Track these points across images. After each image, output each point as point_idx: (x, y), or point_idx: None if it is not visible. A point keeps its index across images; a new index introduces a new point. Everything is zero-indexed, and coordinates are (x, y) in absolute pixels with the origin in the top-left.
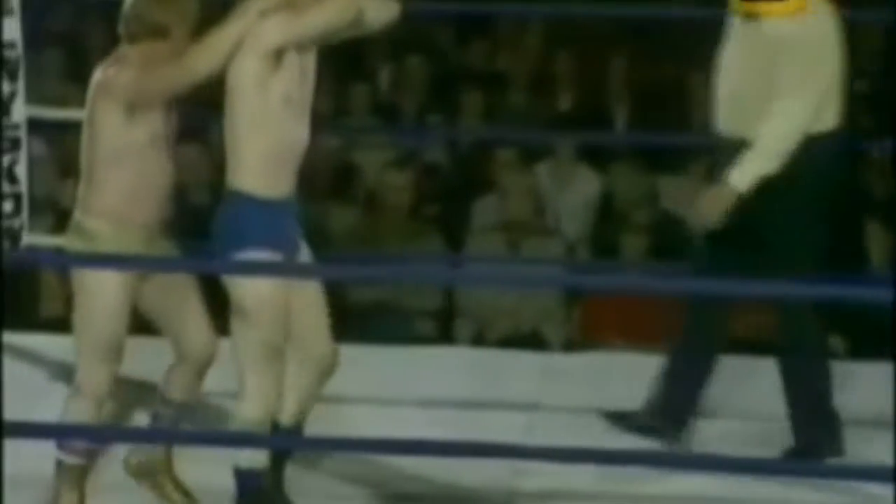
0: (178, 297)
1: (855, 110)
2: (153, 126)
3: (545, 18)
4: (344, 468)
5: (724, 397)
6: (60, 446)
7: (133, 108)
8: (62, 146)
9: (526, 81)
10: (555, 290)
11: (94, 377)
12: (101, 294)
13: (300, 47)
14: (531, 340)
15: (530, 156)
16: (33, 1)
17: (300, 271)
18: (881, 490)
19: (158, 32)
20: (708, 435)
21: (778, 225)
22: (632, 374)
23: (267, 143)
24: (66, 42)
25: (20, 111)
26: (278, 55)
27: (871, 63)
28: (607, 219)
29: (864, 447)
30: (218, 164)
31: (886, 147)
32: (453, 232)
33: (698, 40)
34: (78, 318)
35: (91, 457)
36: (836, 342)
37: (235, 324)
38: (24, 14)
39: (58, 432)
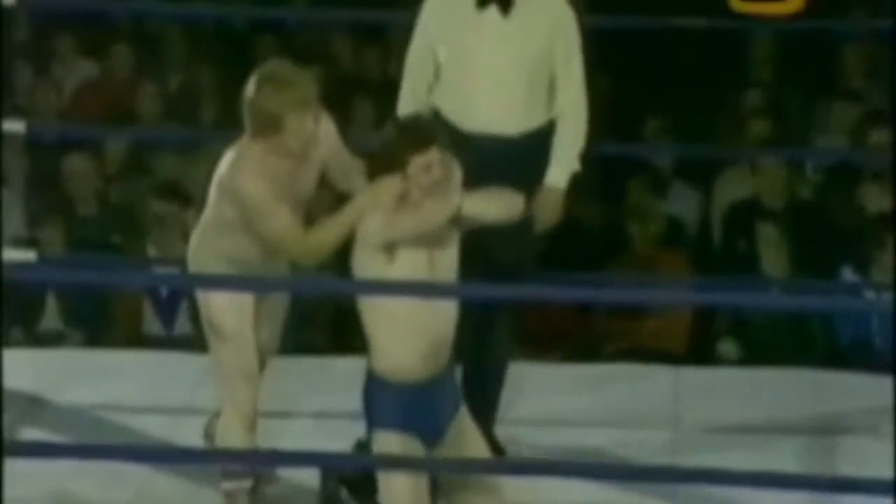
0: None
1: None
2: None
3: None
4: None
5: (621, 404)
6: (224, 476)
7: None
8: None
9: None
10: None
11: (238, 396)
12: (226, 321)
13: (411, 241)
14: None
15: None
16: None
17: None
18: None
19: (273, 126)
20: (601, 442)
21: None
22: (526, 384)
23: (392, 332)
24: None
25: None
26: (388, 248)
27: (764, 72)
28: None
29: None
30: (107, 175)
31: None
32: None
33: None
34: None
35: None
36: (729, 348)
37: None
38: None
39: (59, 452)
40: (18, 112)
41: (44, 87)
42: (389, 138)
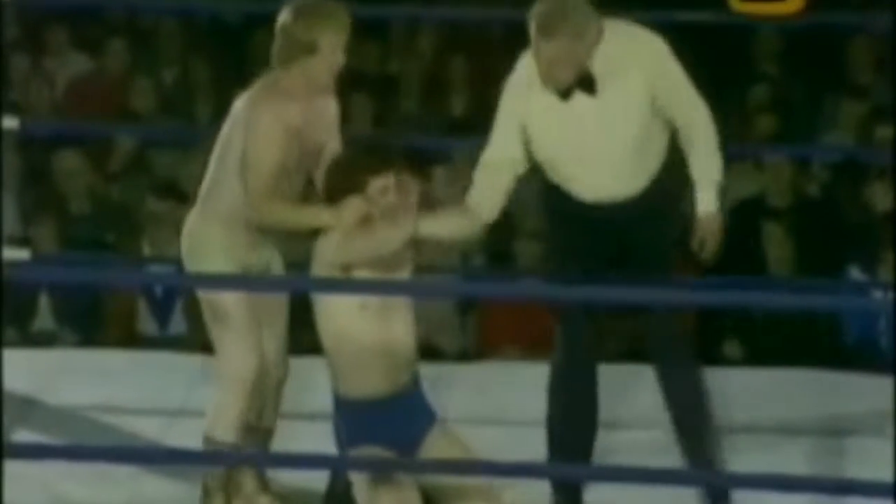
0: (266, 314)
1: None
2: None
3: (438, 21)
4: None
5: (624, 405)
6: None
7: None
8: None
9: (419, 85)
10: (449, 298)
11: (237, 390)
12: (226, 299)
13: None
14: (425, 351)
15: (425, 162)
16: None
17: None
18: None
19: (307, 49)
20: (604, 443)
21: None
22: (528, 384)
23: (349, 350)
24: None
25: None
26: (344, 268)
27: (770, 68)
28: (501, 225)
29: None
30: (101, 172)
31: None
32: None
33: None
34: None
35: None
36: (734, 349)
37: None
38: None
39: (58, 454)
40: (13, 108)
41: (36, 83)
42: (348, 160)
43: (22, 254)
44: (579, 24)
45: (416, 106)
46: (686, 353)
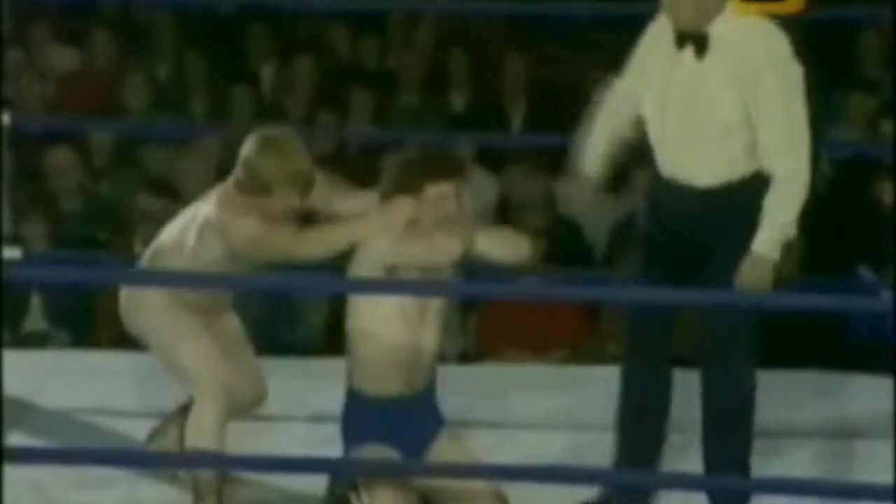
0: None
1: None
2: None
3: (437, 15)
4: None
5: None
6: None
7: (236, 252)
8: None
9: (418, 80)
10: (449, 299)
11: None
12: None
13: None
14: None
15: None
16: None
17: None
18: None
19: (263, 189)
20: (606, 446)
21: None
22: (528, 386)
23: (377, 351)
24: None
25: None
26: (389, 272)
27: None
28: (503, 223)
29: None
30: (91, 168)
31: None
32: None
33: (596, 38)
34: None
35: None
36: None
37: None
38: None
39: (58, 457)
40: (5, 104)
41: (27, 78)
42: (412, 160)
43: (14, 252)
44: None
45: (416, 101)
46: (733, 357)
